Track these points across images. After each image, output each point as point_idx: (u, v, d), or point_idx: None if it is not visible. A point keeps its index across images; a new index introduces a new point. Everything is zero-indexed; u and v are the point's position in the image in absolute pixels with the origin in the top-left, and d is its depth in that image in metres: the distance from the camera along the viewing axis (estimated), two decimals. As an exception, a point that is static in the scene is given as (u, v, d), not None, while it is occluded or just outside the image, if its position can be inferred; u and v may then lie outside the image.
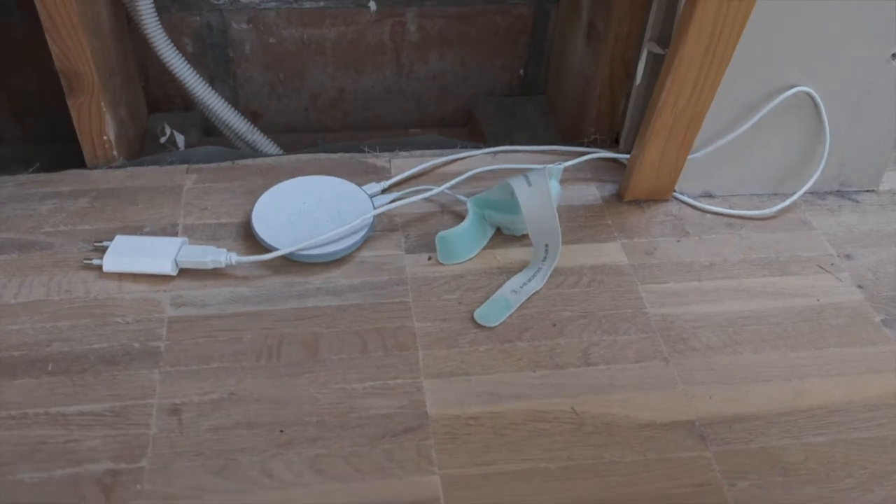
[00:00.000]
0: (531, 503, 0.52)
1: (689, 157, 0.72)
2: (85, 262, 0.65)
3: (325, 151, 0.79)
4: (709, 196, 0.77)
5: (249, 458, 0.53)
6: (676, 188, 0.75)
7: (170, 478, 0.52)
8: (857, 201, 0.78)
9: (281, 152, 0.86)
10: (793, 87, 0.70)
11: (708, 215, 0.75)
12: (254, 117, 0.96)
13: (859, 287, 0.69)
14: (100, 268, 0.64)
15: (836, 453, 0.56)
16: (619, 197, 0.76)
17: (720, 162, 0.74)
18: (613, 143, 0.83)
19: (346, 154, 0.79)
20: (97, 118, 0.73)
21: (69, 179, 0.74)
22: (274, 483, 0.52)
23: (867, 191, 0.79)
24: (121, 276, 0.65)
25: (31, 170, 0.75)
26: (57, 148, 0.82)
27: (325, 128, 1.00)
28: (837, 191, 0.79)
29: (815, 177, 0.75)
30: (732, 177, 0.76)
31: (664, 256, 0.70)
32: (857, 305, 0.67)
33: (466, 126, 1.03)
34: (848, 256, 0.72)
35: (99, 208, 0.71)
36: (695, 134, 0.69)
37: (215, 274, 0.65)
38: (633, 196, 0.75)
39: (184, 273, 0.65)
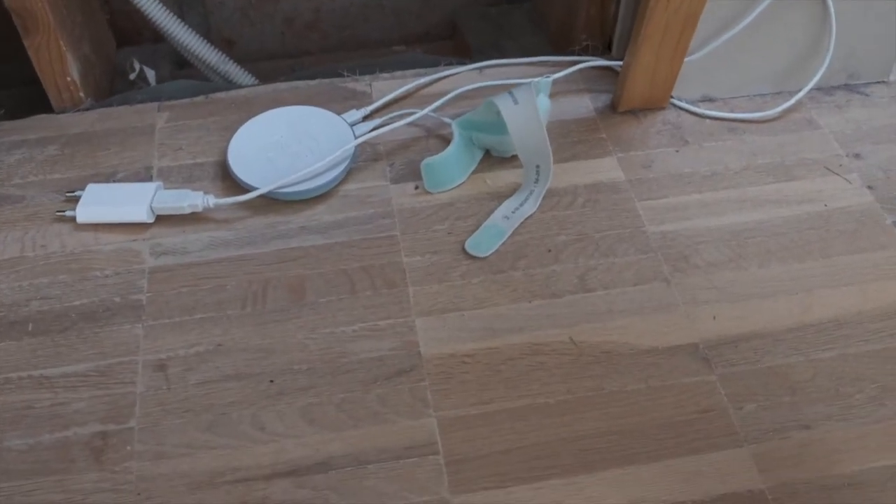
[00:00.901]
0: (531, 441, 0.50)
1: (686, 59, 0.67)
2: (58, 214, 0.63)
3: (303, 78, 0.75)
4: (708, 100, 0.73)
5: (240, 412, 0.51)
6: (673, 94, 0.71)
7: (160, 437, 0.50)
8: (867, 94, 0.74)
9: (256, 82, 0.81)
10: (796, -25, 0.65)
11: (708, 121, 0.71)
12: (228, 45, 0.91)
13: (869, 188, 0.66)
14: (74, 219, 0.62)
15: (845, 368, 0.54)
16: (613, 107, 0.72)
17: (719, 62, 0.70)
18: (606, 50, 0.78)
19: (325, 80, 0.75)
20: (58, 59, 0.69)
21: (36, 126, 0.70)
22: (266, 436, 0.50)
23: (877, 82, 0.75)
24: (96, 227, 0.62)
25: (-5, 117, 0.71)
26: (23, 90, 0.78)
27: (304, 51, 0.95)
28: (845, 84, 0.74)
29: (821, 71, 0.71)
30: (733, 77, 0.72)
31: (662, 169, 0.67)
32: (868, 208, 0.64)
33: (451, 39, 0.97)
34: (857, 155, 0.68)
35: (69, 155, 0.68)
36: (690, 35, 0.64)
37: (194, 218, 0.63)
38: (628, 105, 0.71)
39: (161, 220, 0.63)
